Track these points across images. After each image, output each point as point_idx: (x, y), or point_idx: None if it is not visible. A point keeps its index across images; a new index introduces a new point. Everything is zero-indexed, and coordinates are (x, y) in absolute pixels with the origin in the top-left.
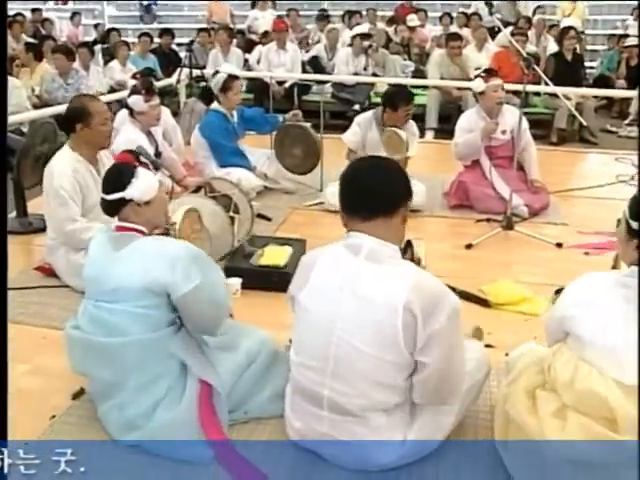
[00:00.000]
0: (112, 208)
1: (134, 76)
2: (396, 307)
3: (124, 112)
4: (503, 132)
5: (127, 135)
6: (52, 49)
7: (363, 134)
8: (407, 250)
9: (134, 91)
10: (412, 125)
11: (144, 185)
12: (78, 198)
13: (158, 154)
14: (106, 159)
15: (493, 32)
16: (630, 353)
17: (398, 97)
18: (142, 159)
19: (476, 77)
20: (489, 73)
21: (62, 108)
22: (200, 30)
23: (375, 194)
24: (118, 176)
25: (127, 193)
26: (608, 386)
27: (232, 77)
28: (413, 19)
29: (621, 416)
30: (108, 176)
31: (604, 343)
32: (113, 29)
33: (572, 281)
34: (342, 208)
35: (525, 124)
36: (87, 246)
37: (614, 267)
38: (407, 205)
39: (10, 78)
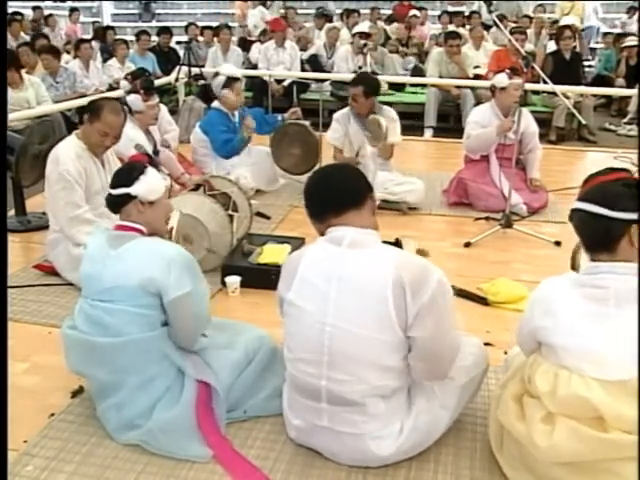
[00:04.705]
0: (116, 204)
1: (126, 77)
2: (385, 285)
3: None
4: (515, 132)
5: (125, 133)
6: (38, 49)
7: (344, 129)
8: None
9: (133, 90)
10: (390, 111)
11: (151, 184)
12: (82, 183)
13: (156, 152)
14: (110, 155)
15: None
16: (607, 349)
17: (352, 79)
18: (153, 162)
19: (500, 71)
20: (514, 71)
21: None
22: (188, 25)
23: (339, 189)
24: (127, 172)
25: (133, 189)
26: (589, 387)
27: (231, 79)
28: (415, 13)
29: (608, 414)
30: (118, 172)
31: (577, 346)
32: (108, 27)
33: (532, 292)
34: (314, 216)
35: (535, 127)
36: (83, 242)
37: (573, 267)
38: (372, 198)
39: None
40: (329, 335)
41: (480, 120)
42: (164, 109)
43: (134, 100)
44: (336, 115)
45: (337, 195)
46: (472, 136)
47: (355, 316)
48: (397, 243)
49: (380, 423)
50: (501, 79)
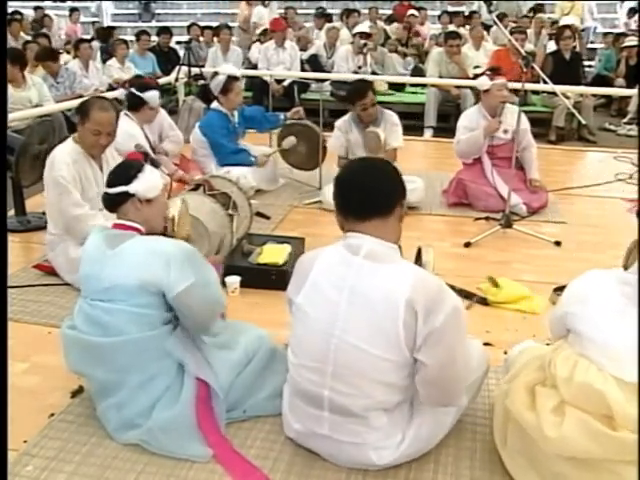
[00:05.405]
0: (114, 202)
1: (123, 85)
2: (397, 304)
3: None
4: (505, 131)
5: (125, 128)
6: (35, 55)
7: (345, 137)
8: (417, 259)
9: (151, 87)
10: (391, 115)
11: (149, 182)
12: (77, 188)
13: (152, 149)
14: (110, 156)
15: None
16: (630, 351)
17: (352, 92)
18: (149, 159)
19: (480, 75)
20: (494, 71)
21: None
22: (191, 25)
23: (371, 194)
24: (125, 170)
25: (131, 187)
26: (606, 382)
27: (232, 78)
28: (414, 13)
29: (619, 413)
30: (115, 170)
31: (604, 340)
32: (111, 27)
33: (574, 279)
34: (338, 210)
35: (527, 124)
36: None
37: (625, 266)
38: (403, 204)
39: None
40: (335, 347)
41: (468, 124)
42: (164, 113)
43: (154, 95)
44: (337, 123)
45: (364, 202)
46: (461, 141)
47: (363, 332)
48: (418, 253)
49: (382, 434)
50: (482, 82)
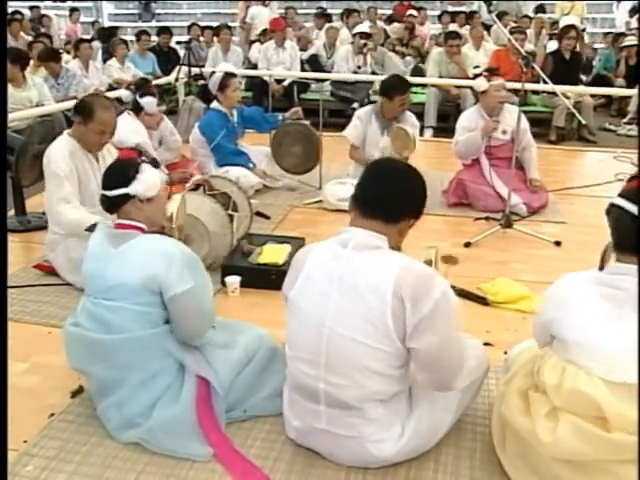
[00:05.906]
0: (114, 205)
1: (128, 87)
2: (384, 294)
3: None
4: (504, 132)
5: (128, 125)
6: (38, 56)
7: (364, 128)
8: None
9: (149, 93)
10: (411, 117)
11: (148, 181)
12: (74, 180)
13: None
14: (106, 150)
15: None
16: (622, 352)
17: (393, 86)
18: (144, 156)
19: (478, 76)
20: (491, 72)
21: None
22: (191, 25)
23: (384, 196)
24: (122, 172)
25: (131, 189)
26: (595, 385)
27: (229, 74)
28: (413, 13)
29: (610, 414)
30: (110, 172)
31: (588, 343)
32: (113, 28)
33: (551, 285)
34: (352, 195)
35: (526, 124)
36: (71, 229)
37: (601, 268)
38: (411, 223)
39: None
40: (327, 338)
41: (467, 125)
42: (167, 121)
43: (150, 102)
44: (358, 112)
45: (374, 200)
46: (460, 142)
47: (353, 322)
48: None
49: (379, 426)
50: (480, 83)
